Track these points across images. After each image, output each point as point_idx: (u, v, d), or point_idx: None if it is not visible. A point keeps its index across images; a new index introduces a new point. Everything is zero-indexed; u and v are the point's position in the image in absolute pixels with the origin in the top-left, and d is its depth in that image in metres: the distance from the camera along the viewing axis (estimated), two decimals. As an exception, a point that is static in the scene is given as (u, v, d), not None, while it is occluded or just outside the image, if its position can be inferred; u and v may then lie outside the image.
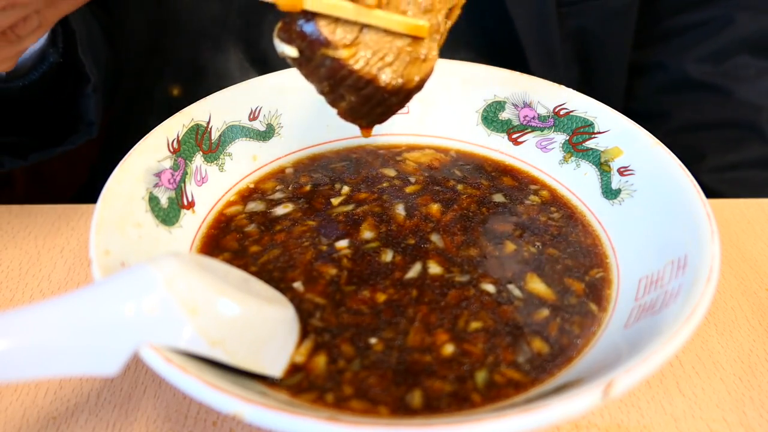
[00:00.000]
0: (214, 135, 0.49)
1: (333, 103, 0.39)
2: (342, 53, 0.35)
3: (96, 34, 0.66)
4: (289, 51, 0.36)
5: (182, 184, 0.46)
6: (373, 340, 0.38)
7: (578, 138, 0.51)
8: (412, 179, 0.52)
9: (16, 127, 0.58)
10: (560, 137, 0.52)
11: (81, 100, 0.59)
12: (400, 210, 0.48)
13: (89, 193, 0.54)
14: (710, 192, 0.71)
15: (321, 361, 0.37)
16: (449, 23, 0.40)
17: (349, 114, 0.39)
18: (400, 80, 0.37)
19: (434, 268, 0.43)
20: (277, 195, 0.50)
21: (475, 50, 0.71)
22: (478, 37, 0.72)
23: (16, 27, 0.40)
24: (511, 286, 0.42)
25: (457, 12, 0.40)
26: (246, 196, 0.49)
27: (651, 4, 0.81)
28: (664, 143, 0.45)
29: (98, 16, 0.69)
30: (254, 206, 0.48)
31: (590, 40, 0.75)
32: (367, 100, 0.37)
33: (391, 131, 0.56)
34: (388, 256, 0.44)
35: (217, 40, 0.71)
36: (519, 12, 0.68)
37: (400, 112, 0.56)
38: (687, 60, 0.80)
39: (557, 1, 0.70)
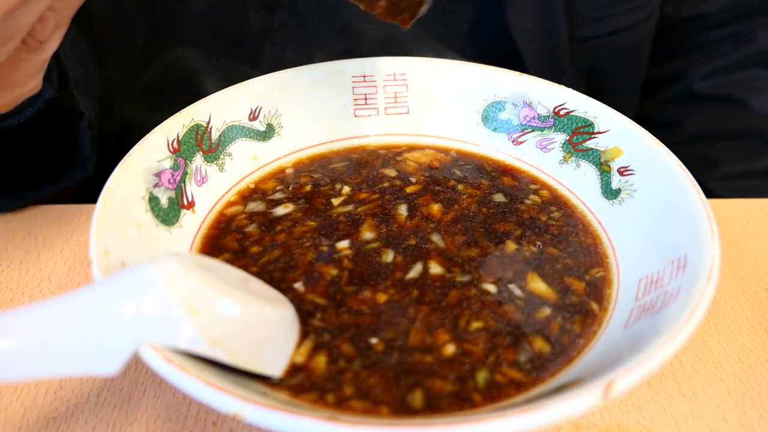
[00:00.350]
0: (214, 135, 0.49)
1: (369, 6, 0.38)
2: None
3: (88, 66, 0.65)
4: None
5: (182, 184, 0.46)
6: (373, 341, 0.38)
7: (578, 138, 0.51)
8: (413, 179, 0.52)
9: (10, 166, 0.57)
10: (560, 137, 0.52)
11: (75, 136, 0.57)
12: (400, 210, 0.48)
13: (89, 193, 0.53)
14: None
15: (321, 361, 0.37)
16: None
17: (389, 12, 0.38)
18: None
19: (435, 269, 0.43)
20: (278, 195, 0.50)
21: None
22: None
23: (34, 32, 0.39)
24: (511, 286, 0.42)
25: None
26: (246, 196, 0.50)
27: (672, 28, 0.80)
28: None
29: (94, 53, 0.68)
30: (254, 206, 0.48)
31: (602, 74, 0.76)
32: None
33: (391, 131, 0.56)
34: (388, 256, 0.44)
35: (212, 74, 0.71)
36: (529, 51, 0.69)
37: (399, 112, 0.56)
38: (701, 73, 0.80)
39: (570, 37, 0.70)
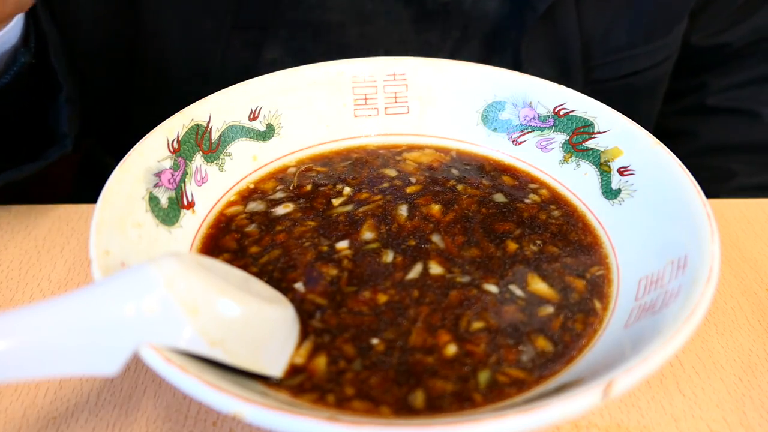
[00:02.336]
0: (214, 135, 0.49)
1: None
2: None
3: (69, 49, 0.63)
4: None
5: (182, 184, 0.46)
6: (374, 341, 0.38)
7: (578, 138, 0.51)
8: (413, 179, 0.52)
9: None
10: (560, 137, 0.52)
11: (54, 111, 0.56)
12: (401, 211, 0.48)
13: (89, 193, 0.53)
14: None
15: (322, 361, 0.36)
16: None
17: None
18: None
19: (435, 269, 0.43)
20: (278, 195, 0.50)
21: None
22: None
23: None
24: (512, 286, 0.42)
25: None
26: (246, 196, 0.49)
27: (696, 53, 0.80)
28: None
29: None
30: (254, 206, 0.48)
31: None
32: None
33: (391, 131, 0.56)
34: (388, 256, 0.44)
35: (206, 77, 0.69)
36: None
37: (399, 112, 0.56)
38: (715, 86, 0.80)
39: (584, 79, 0.70)
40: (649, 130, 0.71)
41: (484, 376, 0.36)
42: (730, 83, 0.80)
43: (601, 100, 0.73)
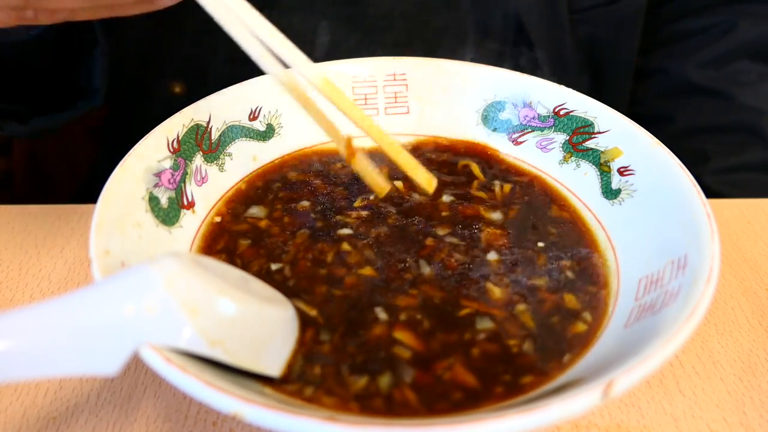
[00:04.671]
0: (214, 135, 0.49)
1: None
2: None
3: None
4: None
5: (182, 184, 0.46)
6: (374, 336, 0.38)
7: (578, 138, 0.51)
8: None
9: (18, 93, 0.56)
10: (560, 137, 0.52)
11: (87, 64, 0.56)
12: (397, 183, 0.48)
13: (89, 193, 0.53)
14: (712, 194, 0.71)
15: (320, 361, 0.37)
16: None
17: None
18: None
19: (430, 269, 0.43)
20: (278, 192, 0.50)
21: (487, 58, 0.71)
22: (491, 45, 0.71)
23: None
24: (513, 285, 0.42)
25: None
26: (245, 194, 0.49)
27: (654, 10, 0.81)
28: (667, 147, 0.45)
29: None
30: (254, 202, 0.48)
31: (600, 46, 0.76)
32: None
33: (391, 131, 0.56)
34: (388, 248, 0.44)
35: (217, 36, 0.70)
36: (532, 20, 0.68)
37: (399, 112, 0.56)
38: (689, 65, 0.80)
39: (569, 8, 0.70)
40: (630, 70, 0.69)
41: (488, 374, 0.36)
42: (702, 61, 0.80)
43: (587, 31, 0.73)
